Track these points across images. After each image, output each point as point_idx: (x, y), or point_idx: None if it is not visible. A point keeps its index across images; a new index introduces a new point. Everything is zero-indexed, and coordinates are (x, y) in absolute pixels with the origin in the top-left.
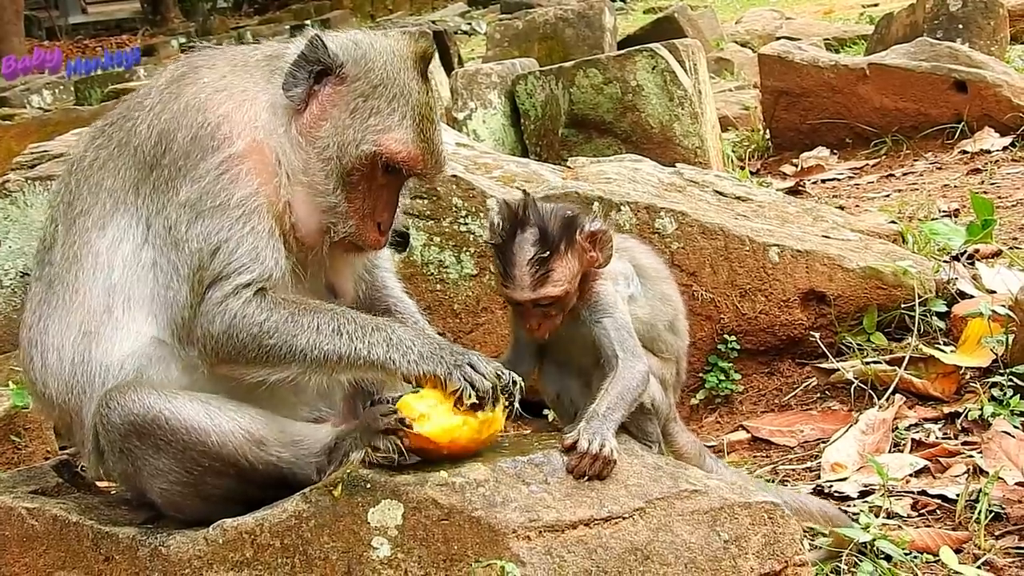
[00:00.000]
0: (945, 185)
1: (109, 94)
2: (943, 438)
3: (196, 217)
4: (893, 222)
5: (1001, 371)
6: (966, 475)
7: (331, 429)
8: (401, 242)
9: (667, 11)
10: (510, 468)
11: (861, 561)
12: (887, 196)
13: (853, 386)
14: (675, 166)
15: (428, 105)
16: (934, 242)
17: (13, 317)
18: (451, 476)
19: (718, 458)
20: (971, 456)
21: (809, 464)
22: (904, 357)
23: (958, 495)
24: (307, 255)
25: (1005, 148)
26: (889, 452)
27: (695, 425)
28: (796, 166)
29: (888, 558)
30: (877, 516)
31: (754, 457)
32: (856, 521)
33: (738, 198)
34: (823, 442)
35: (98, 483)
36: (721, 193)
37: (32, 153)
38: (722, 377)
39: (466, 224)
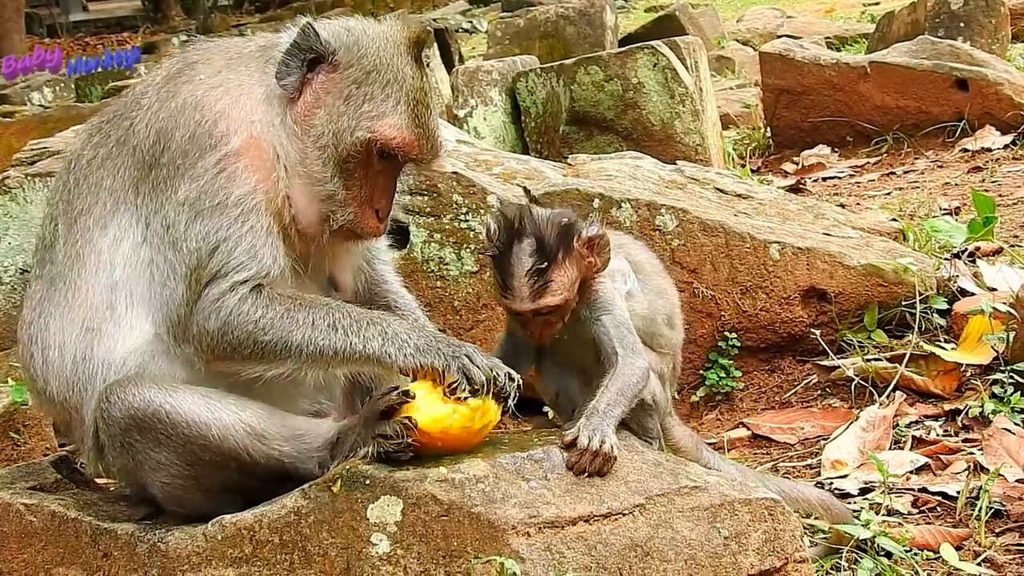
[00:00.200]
0: (946, 183)
1: (110, 91)
2: (944, 435)
3: (195, 216)
4: (894, 220)
5: (1002, 368)
6: (967, 472)
7: (333, 424)
8: (401, 238)
9: (668, 9)
10: (510, 464)
11: (861, 558)
12: (888, 194)
13: (854, 383)
14: (676, 163)
15: (422, 90)
16: (935, 240)
17: (13, 314)
18: (451, 472)
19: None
20: (972, 453)
21: (809, 461)
22: (905, 354)
23: (959, 492)
24: (308, 247)
25: (1006, 146)
26: (890, 449)
27: (695, 422)
28: (797, 164)
29: (888, 555)
30: (877, 513)
31: (754, 454)
32: (856, 517)
33: (739, 195)
34: (824, 439)
35: (97, 479)
36: (722, 191)
37: (32, 150)
38: (723, 374)
39: (466, 221)
